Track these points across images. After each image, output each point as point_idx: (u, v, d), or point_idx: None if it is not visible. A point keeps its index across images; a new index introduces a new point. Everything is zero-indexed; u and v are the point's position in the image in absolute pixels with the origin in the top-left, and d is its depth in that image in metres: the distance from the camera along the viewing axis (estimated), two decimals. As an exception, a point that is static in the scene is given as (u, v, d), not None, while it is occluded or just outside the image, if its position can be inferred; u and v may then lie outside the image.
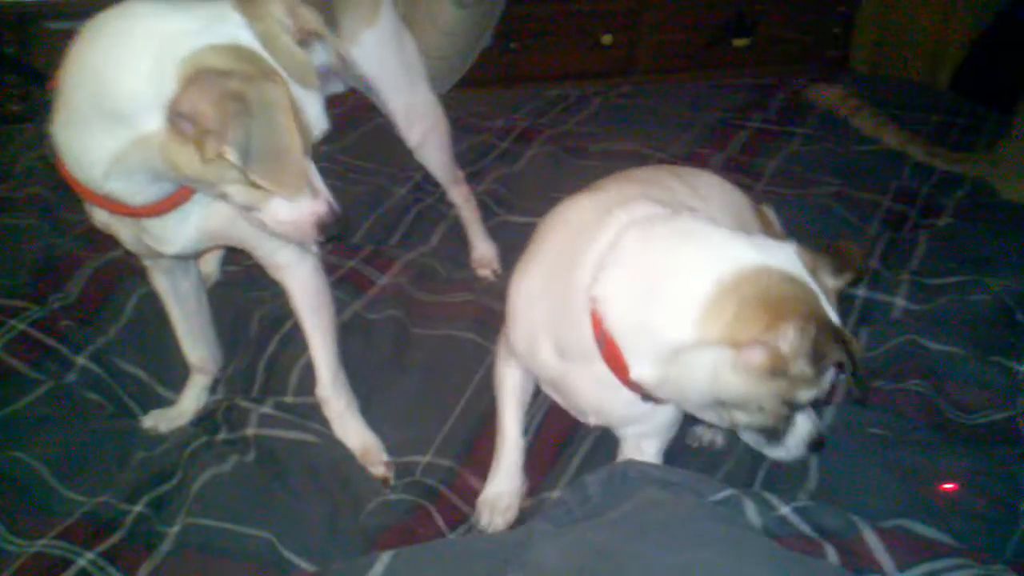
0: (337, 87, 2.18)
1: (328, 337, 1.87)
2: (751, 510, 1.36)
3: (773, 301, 1.32)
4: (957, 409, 1.90)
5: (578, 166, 2.83)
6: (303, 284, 1.83)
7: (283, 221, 1.52)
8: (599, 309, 1.43)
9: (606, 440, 1.88)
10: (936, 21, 4.30)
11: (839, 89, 3.36)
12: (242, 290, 2.22)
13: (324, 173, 2.67)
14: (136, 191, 1.49)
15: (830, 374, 1.39)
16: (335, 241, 1.69)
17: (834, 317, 1.37)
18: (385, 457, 1.87)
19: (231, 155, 1.32)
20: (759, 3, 4.45)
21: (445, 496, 1.79)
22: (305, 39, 1.48)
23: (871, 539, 1.33)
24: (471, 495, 1.80)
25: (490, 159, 2.92)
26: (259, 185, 1.39)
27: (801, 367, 1.32)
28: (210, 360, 2.00)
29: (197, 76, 1.30)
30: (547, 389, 1.74)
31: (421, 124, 2.22)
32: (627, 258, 1.44)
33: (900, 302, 2.20)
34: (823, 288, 1.39)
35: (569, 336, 1.52)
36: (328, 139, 1.56)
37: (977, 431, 1.86)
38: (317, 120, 1.46)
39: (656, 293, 1.39)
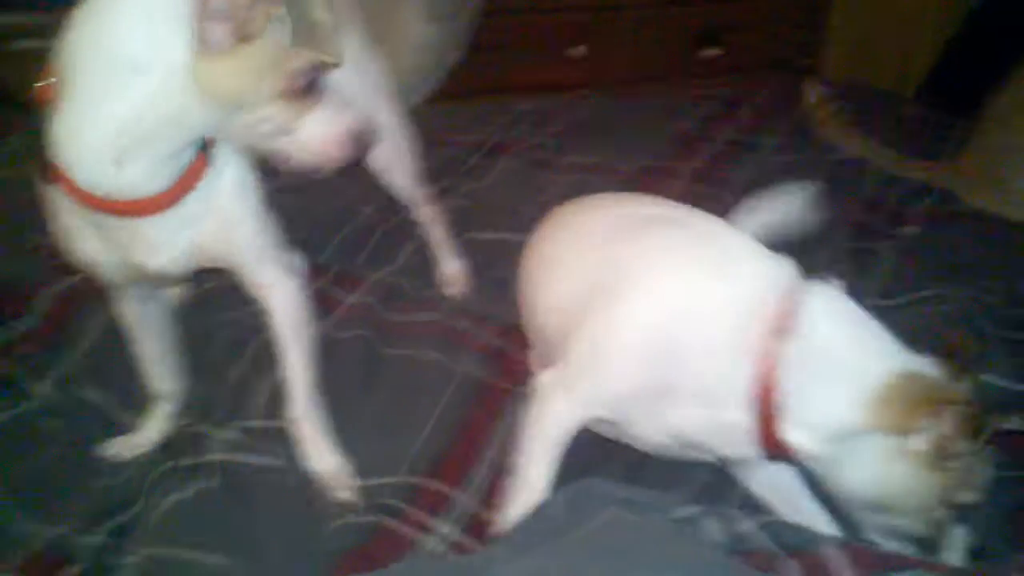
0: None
1: (306, 358, 1.85)
2: (714, 527, 1.35)
3: (932, 393, 1.43)
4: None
5: (545, 180, 2.82)
6: (286, 303, 1.81)
7: (319, 138, 1.53)
8: (773, 364, 1.46)
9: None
10: (904, 29, 4.33)
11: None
12: (206, 313, 2.20)
13: (289, 190, 2.66)
14: (154, 171, 1.48)
15: (987, 473, 1.48)
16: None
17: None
18: (353, 482, 1.85)
19: (283, 16, 1.34)
20: (729, 13, 4.47)
21: (407, 513, 1.77)
22: None
23: (833, 554, 1.32)
24: (434, 507, 1.79)
25: (459, 175, 2.91)
26: (290, 95, 1.43)
27: (962, 447, 1.41)
28: (176, 388, 1.98)
29: None
30: (648, 437, 1.67)
31: (387, 145, 2.19)
32: (815, 328, 1.48)
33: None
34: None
35: (731, 382, 1.51)
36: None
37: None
38: None
39: (836, 370, 1.46)
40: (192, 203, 1.58)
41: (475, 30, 3.86)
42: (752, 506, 1.72)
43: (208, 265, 1.77)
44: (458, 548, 1.72)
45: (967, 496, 1.47)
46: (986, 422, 1.43)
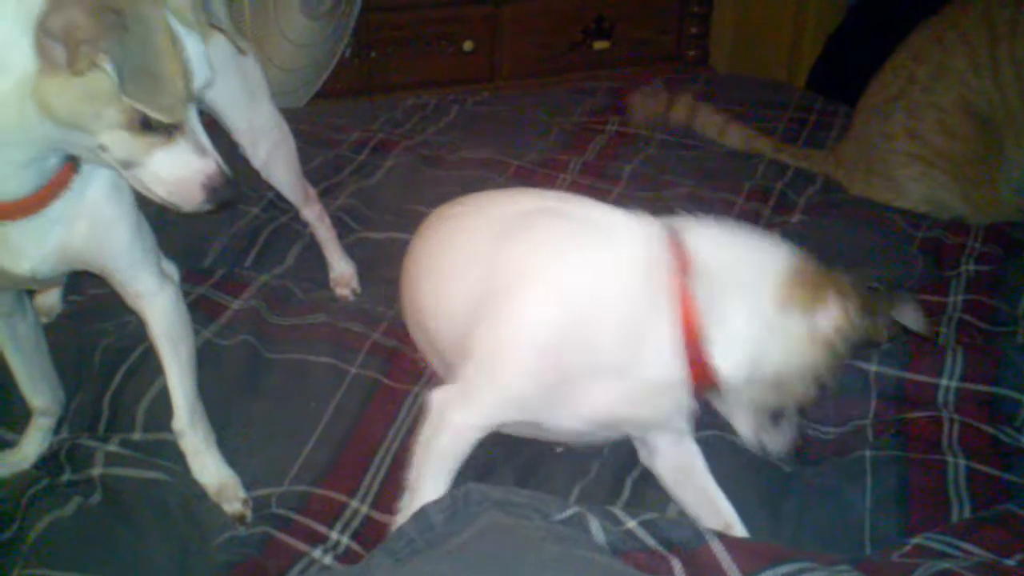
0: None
1: (187, 369, 1.80)
2: (596, 527, 1.35)
3: (828, 278, 1.58)
4: (813, 422, 1.95)
5: (434, 176, 2.80)
6: (163, 313, 1.76)
7: (166, 180, 1.46)
8: (691, 302, 1.52)
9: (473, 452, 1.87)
10: (790, 18, 4.41)
11: (657, 96, 3.36)
12: (86, 322, 2.13)
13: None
14: (13, 176, 1.43)
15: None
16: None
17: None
18: (242, 494, 1.81)
19: (106, 64, 1.28)
20: (618, 6, 4.49)
21: (297, 522, 1.74)
22: None
23: (717, 549, 1.33)
24: (325, 515, 1.76)
25: (346, 173, 2.87)
26: (136, 128, 1.37)
27: (867, 326, 1.58)
28: (53, 401, 1.90)
29: None
30: (562, 425, 1.65)
31: (265, 142, 2.16)
32: (707, 256, 1.56)
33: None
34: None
35: (652, 345, 1.54)
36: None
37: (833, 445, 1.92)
38: (197, 62, 1.42)
39: (740, 284, 1.56)
40: (60, 206, 1.53)
41: (360, 26, 3.81)
42: (638, 502, 1.74)
43: (80, 268, 1.71)
44: (350, 556, 1.70)
45: (833, 377, 1.64)
46: (884, 301, 1.59)
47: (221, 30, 1.64)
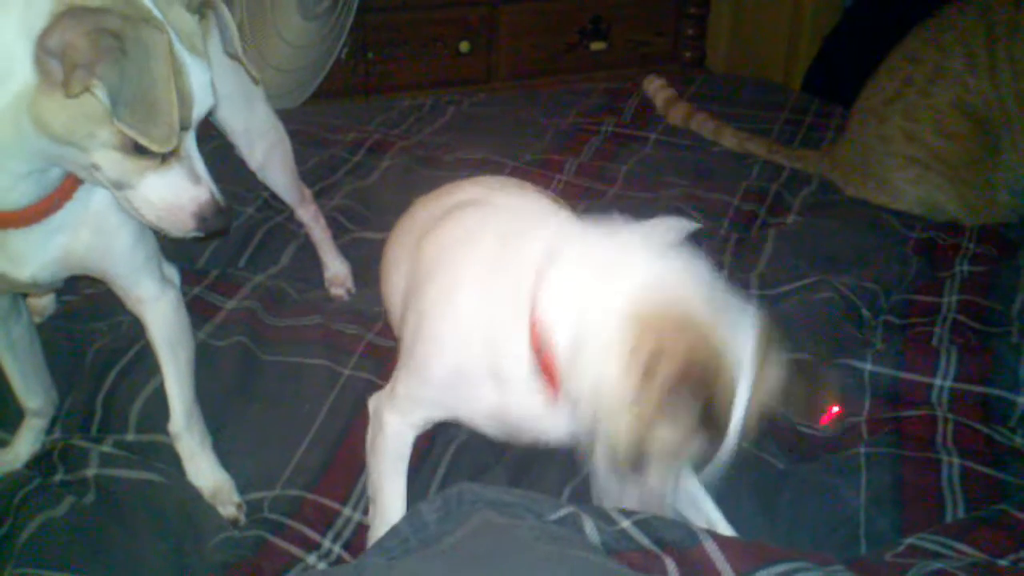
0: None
1: (185, 373, 1.80)
2: (590, 526, 1.34)
3: (686, 333, 1.27)
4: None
5: (430, 177, 2.79)
6: (163, 318, 1.75)
7: (156, 204, 1.44)
8: (539, 315, 1.38)
9: (465, 452, 1.87)
10: (786, 20, 4.42)
11: (667, 91, 3.39)
12: (80, 322, 2.13)
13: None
14: (9, 186, 1.42)
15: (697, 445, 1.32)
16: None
17: (741, 397, 1.30)
18: (236, 498, 1.81)
19: (99, 91, 1.26)
20: (615, 7, 4.50)
21: (290, 527, 1.73)
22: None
23: (711, 548, 1.32)
24: (318, 521, 1.75)
25: (341, 173, 2.87)
26: (129, 150, 1.35)
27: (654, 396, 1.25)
28: (46, 402, 1.90)
29: (70, 10, 1.25)
30: (476, 424, 1.60)
31: (262, 144, 2.16)
32: (564, 262, 1.38)
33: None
34: (760, 373, 1.33)
35: (511, 352, 1.42)
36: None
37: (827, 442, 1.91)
38: (200, 91, 1.40)
39: (587, 290, 1.34)
40: (63, 215, 1.53)
41: (356, 27, 3.81)
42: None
43: (81, 273, 1.71)
44: (342, 563, 1.69)
45: (666, 439, 1.30)
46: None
47: (238, 59, 1.63)
